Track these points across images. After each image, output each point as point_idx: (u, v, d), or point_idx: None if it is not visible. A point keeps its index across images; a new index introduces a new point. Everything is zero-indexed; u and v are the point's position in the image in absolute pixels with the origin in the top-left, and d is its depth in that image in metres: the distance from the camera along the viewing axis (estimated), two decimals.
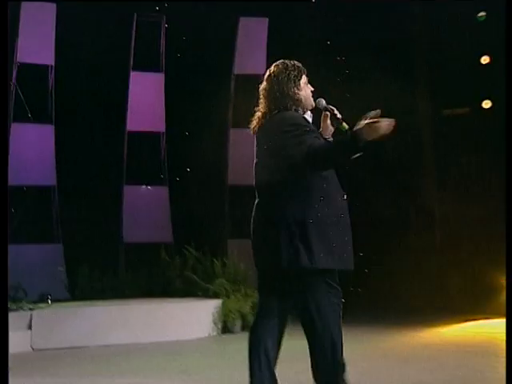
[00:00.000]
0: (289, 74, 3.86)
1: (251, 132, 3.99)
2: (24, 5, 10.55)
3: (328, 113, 3.91)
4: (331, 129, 3.98)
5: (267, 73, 3.95)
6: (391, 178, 11.39)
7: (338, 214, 3.69)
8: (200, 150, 11.63)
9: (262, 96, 3.95)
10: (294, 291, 3.75)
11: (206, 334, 8.87)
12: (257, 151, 3.94)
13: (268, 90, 3.90)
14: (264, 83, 3.96)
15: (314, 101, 3.93)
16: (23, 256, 10.36)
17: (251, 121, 4.00)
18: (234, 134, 12.00)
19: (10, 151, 10.42)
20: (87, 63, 10.87)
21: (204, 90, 11.59)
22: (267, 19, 11.96)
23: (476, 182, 11.40)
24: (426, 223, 11.69)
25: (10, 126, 10.61)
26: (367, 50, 11.34)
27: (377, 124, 3.34)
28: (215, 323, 9.06)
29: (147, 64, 11.85)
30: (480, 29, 11.06)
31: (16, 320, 7.92)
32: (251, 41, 12.06)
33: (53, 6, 10.75)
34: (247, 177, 12.10)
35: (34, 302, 8.91)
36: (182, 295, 9.64)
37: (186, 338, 8.55)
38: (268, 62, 11.21)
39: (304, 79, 3.91)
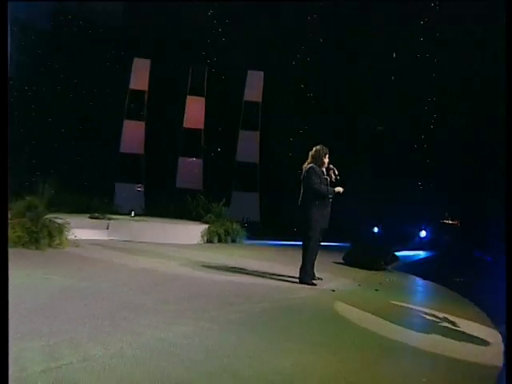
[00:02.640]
0: (323, 150, 8.27)
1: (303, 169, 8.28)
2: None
3: (330, 170, 8.48)
4: (331, 174, 8.44)
5: (316, 147, 8.28)
6: None
7: (326, 206, 8.25)
8: (224, 141, 19.47)
9: (311, 156, 8.30)
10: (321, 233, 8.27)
11: (196, 242, 12.91)
12: (304, 179, 8.16)
13: (314, 155, 8.25)
14: (314, 151, 8.28)
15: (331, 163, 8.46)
16: (121, 190, 17.84)
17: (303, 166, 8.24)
18: (242, 134, 19.57)
19: (123, 136, 18.57)
20: (162, 91, 18.41)
21: (228, 108, 19.05)
22: (262, 72, 19.40)
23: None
24: None
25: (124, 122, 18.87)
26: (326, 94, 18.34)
27: (340, 189, 8.33)
28: (203, 237, 13.19)
29: (196, 91, 19.33)
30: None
31: (101, 224, 12.02)
32: (253, 82, 19.47)
33: (148, 62, 18.84)
34: (251, 158, 20.36)
35: (125, 214, 14.18)
36: (194, 220, 14.40)
37: (186, 243, 12.40)
38: (263, 95, 19.05)
39: (327, 155, 8.33)
